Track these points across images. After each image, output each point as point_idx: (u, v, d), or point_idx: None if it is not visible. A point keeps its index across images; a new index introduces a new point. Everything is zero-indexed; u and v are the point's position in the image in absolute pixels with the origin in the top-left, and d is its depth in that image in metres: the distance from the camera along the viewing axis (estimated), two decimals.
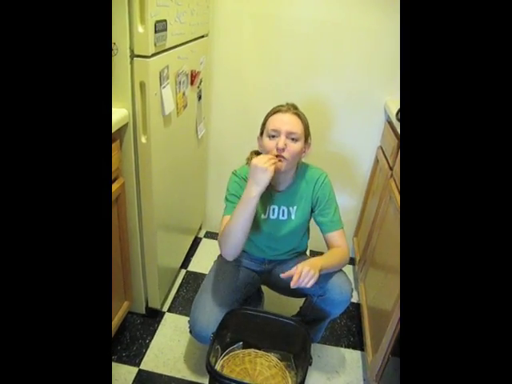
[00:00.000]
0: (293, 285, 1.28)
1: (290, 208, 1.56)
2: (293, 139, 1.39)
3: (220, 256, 1.77)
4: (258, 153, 1.52)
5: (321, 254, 1.53)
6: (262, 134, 1.48)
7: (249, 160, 1.55)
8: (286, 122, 1.39)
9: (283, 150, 1.37)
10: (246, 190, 1.36)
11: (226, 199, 1.54)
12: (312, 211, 1.58)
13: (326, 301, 1.53)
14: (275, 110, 1.44)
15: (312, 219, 1.62)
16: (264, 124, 1.46)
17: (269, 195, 1.53)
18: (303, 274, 1.28)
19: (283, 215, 1.57)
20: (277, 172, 1.38)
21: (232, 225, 1.40)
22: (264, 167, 1.30)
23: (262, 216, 1.57)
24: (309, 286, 1.28)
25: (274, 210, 1.56)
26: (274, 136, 1.40)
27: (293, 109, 1.43)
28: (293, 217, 1.57)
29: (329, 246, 1.55)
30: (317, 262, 1.37)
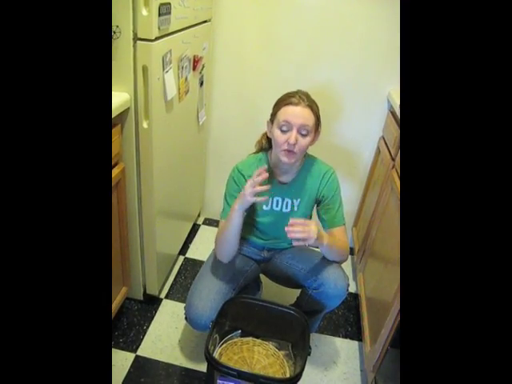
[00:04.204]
0: (287, 229, 1.30)
1: (294, 200, 1.56)
2: (304, 133, 1.37)
3: None
4: (267, 137, 1.52)
5: None
6: (272, 120, 1.44)
7: (259, 143, 1.57)
8: (298, 116, 1.35)
9: (294, 145, 1.36)
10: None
11: (225, 199, 1.55)
12: (316, 205, 1.58)
13: (320, 294, 1.53)
14: (287, 102, 1.38)
15: (315, 213, 1.62)
16: (275, 113, 1.42)
17: (273, 186, 1.52)
18: (299, 226, 1.29)
19: (286, 207, 1.56)
20: (285, 163, 1.43)
21: (223, 233, 1.48)
22: (247, 194, 1.33)
23: (264, 207, 1.56)
24: (297, 236, 1.30)
25: (277, 201, 1.55)
26: (285, 128, 1.37)
27: (305, 100, 1.38)
28: (296, 209, 1.57)
29: None
30: (322, 232, 1.38)
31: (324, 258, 1.56)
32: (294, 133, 1.35)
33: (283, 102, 1.39)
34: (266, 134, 1.54)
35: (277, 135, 1.39)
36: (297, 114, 1.35)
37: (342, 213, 1.56)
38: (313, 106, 1.39)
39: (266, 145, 1.54)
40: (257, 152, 1.59)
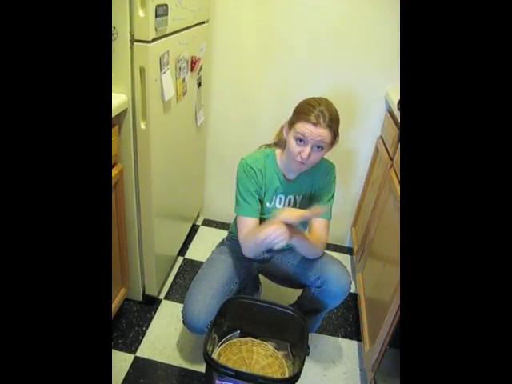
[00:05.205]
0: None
1: (297, 197, 1.56)
2: (318, 148, 1.37)
3: (218, 246, 1.76)
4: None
5: None
6: (289, 125, 1.41)
7: (278, 137, 1.57)
8: (315, 135, 1.33)
9: (306, 159, 1.36)
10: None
11: (240, 196, 1.48)
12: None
13: (323, 292, 1.53)
14: (306, 119, 1.33)
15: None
16: (293, 122, 1.38)
17: (278, 184, 1.53)
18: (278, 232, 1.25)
19: (289, 204, 1.57)
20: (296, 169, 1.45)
21: (256, 242, 1.39)
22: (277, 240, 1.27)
23: (268, 205, 1.55)
24: (277, 244, 1.27)
25: (280, 199, 1.55)
26: (300, 141, 1.36)
27: (327, 117, 1.33)
28: (298, 206, 1.57)
29: (309, 230, 1.56)
30: (297, 231, 1.36)
31: (326, 257, 1.57)
32: (307, 149, 1.34)
33: (303, 114, 1.35)
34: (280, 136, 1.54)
35: (291, 144, 1.38)
36: (314, 133, 1.33)
37: (331, 206, 1.56)
38: (332, 125, 1.35)
39: (284, 143, 1.49)
40: (274, 144, 1.59)
